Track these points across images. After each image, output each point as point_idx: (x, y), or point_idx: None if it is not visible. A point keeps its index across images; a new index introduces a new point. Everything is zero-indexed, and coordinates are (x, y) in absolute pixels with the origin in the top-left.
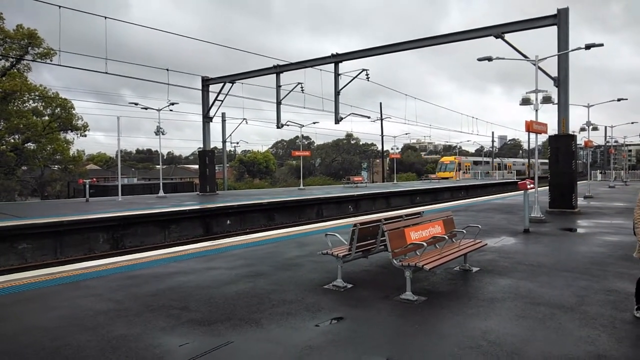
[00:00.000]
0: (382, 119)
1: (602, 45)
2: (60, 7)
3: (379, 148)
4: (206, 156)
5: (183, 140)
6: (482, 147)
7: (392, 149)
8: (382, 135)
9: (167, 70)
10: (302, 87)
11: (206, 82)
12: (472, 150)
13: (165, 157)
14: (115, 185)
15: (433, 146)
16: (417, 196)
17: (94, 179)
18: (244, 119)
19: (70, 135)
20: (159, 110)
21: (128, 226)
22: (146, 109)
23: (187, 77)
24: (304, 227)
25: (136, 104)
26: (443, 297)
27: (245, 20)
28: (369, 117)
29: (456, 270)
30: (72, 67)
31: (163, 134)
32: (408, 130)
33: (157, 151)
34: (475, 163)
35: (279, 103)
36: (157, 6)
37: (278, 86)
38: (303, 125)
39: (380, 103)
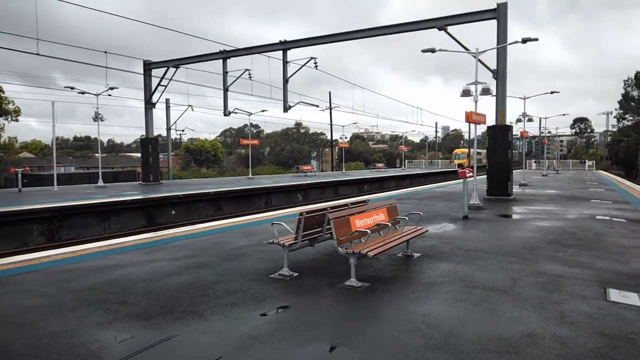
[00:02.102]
0: (331, 108)
1: (537, 39)
2: None
3: (328, 137)
4: (149, 144)
5: (124, 127)
6: (426, 137)
7: (340, 138)
8: (331, 125)
9: (105, 52)
10: (249, 74)
11: (148, 66)
12: (417, 140)
13: (105, 145)
14: (50, 174)
15: (381, 136)
16: (365, 185)
17: (27, 168)
18: (190, 105)
19: (1, 121)
20: (97, 95)
21: (64, 218)
22: (83, 93)
23: (126, 61)
24: (251, 216)
25: (72, 88)
26: (386, 282)
27: (183, 1)
28: (317, 106)
29: (399, 256)
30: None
31: (102, 120)
32: (356, 119)
33: (96, 138)
34: (478, 153)
35: (225, 90)
36: None
37: (225, 72)
38: (251, 114)
39: (330, 92)
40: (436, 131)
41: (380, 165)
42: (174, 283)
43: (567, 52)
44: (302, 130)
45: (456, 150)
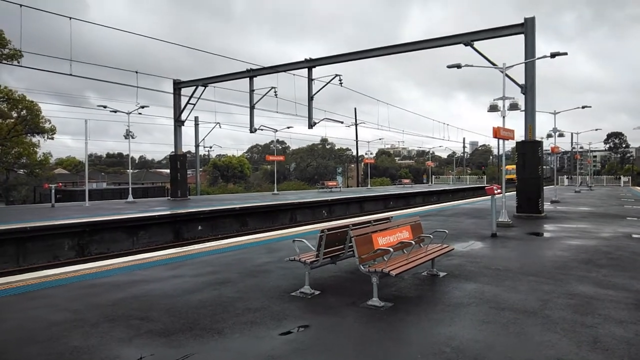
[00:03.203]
0: (356, 124)
1: (566, 54)
2: (21, 6)
3: (354, 153)
4: (177, 160)
5: (155, 144)
6: (453, 152)
7: (366, 153)
8: (357, 140)
9: (137, 72)
10: (275, 92)
11: (178, 85)
12: (444, 155)
13: (136, 162)
14: (83, 190)
15: (407, 151)
16: (390, 201)
17: (60, 184)
18: (218, 122)
19: (37, 139)
20: (128, 113)
21: (94, 232)
22: (115, 112)
23: (156, 80)
24: (275, 232)
25: (105, 106)
26: (410, 302)
27: (208, 22)
28: (342, 122)
29: (424, 275)
30: (37, 68)
31: (133, 138)
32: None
33: (127, 155)
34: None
35: (252, 107)
36: (115, 7)
37: (251, 90)
38: (277, 130)
39: (355, 108)
40: (464, 146)
41: (407, 181)
42: (195, 300)
43: (597, 66)
44: (327, 146)
45: (507, 167)
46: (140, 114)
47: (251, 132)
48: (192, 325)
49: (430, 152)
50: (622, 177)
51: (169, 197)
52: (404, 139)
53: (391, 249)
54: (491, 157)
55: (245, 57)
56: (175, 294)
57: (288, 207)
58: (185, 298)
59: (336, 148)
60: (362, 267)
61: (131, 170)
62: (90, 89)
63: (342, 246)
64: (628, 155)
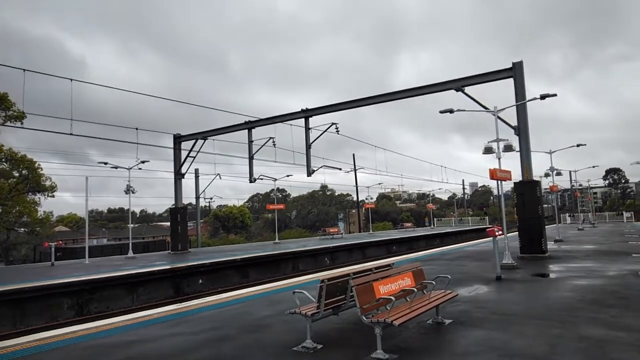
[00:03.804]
0: (355, 170)
1: (555, 95)
2: (24, 70)
3: (354, 198)
4: (178, 213)
5: (155, 198)
6: (454, 194)
7: (366, 198)
8: (357, 186)
9: (137, 129)
10: (273, 142)
11: (178, 139)
12: (444, 197)
13: (137, 215)
14: (83, 247)
15: (407, 195)
16: (393, 245)
17: (60, 242)
18: (218, 174)
19: (37, 197)
20: (129, 168)
21: (93, 291)
22: (116, 167)
23: (155, 135)
24: (277, 283)
25: (105, 163)
26: (415, 353)
27: (205, 77)
28: (340, 169)
29: (429, 324)
30: (39, 129)
31: (133, 193)
32: (380, 180)
33: (128, 209)
34: None
35: (251, 158)
36: (114, 67)
37: (250, 141)
38: (276, 179)
39: (353, 154)
40: (463, 188)
41: (408, 224)
42: (194, 359)
43: (587, 105)
44: (327, 193)
45: None
46: (140, 169)
47: (251, 181)
48: None
49: (431, 194)
50: (624, 212)
51: (170, 251)
52: (403, 183)
53: (393, 298)
54: (492, 197)
55: (242, 109)
56: (173, 354)
57: (290, 256)
58: (184, 357)
59: (336, 194)
60: (364, 317)
61: (132, 225)
62: (91, 146)
63: (343, 296)
64: (629, 190)
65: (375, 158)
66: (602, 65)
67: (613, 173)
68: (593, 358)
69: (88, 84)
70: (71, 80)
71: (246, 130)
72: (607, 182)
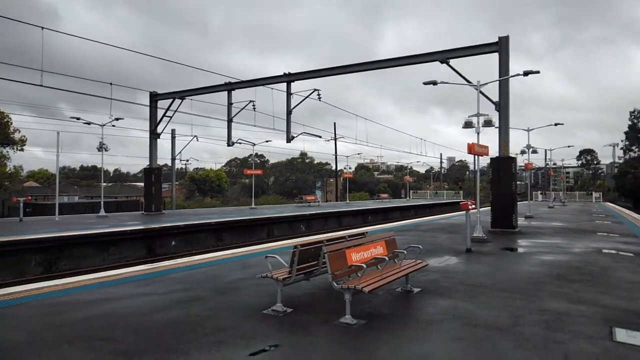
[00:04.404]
0: (335, 139)
1: (538, 72)
2: None
3: (333, 167)
4: (152, 174)
5: (130, 157)
6: (431, 167)
7: (345, 168)
8: (336, 155)
9: (111, 84)
10: (253, 105)
11: (154, 97)
12: (422, 170)
13: (111, 175)
14: (54, 203)
15: (386, 166)
16: (369, 215)
17: (29, 197)
18: (195, 136)
19: (6, 150)
20: (102, 125)
21: (63, 248)
22: (89, 124)
23: (131, 92)
24: (252, 247)
25: (78, 118)
26: (383, 319)
27: (183, 35)
28: (320, 137)
29: (398, 292)
30: (7, 79)
31: (106, 150)
32: (360, 150)
33: (101, 168)
34: None
35: (230, 121)
36: (88, 19)
37: (229, 104)
38: (255, 144)
39: (335, 123)
40: (441, 162)
41: (385, 195)
42: (163, 318)
43: (567, 85)
44: (306, 160)
45: None
46: (114, 126)
47: (229, 145)
48: (158, 346)
49: (409, 167)
50: (593, 193)
51: (143, 212)
52: (382, 154)
53: (364, 265)
54: (467, 173)
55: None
56: (143, 312)
57: (265, 222)
58: (153, 317)
59: (315, 162)
60: (335, 283)
61: (104, 184)
62: (63, 100)
63: (316, 262)
64: (599, 171)
65: (356, 128)
66: (583, 47)
67: (586, 154)
68: (552, 330)
69: (60, 34)
70: (42, 28)
71: (226, 92)
72: (580, 162)
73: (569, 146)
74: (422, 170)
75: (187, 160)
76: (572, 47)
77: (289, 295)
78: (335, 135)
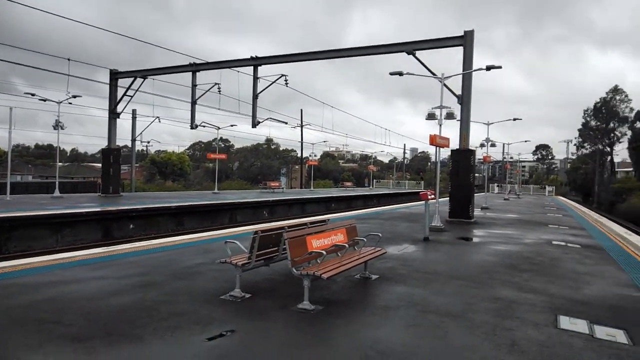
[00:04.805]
0: (302, 126)
1: (500, 67)
2: None
3: (299, 154)
4: (110, 154)
5: (88, 137)
6: (395, 157)
7: (310, 155)
8: (302, 142)
9: (69, 60)
10: (219, 88)
11: (115, 75)
12: (386, 160)
13: (68, 154)
14: (5, 182)
15: (351, 155)
16: (332, 203)
17: None
18: (157, 117)
19: None
20: (59, 102)
21: (13, 228)
22: (44, 100)
23: (90, 69)
24: (213, 232)
25: (32, 94)
26: (340, 305)
27: (147, 14)
28: (286, 123)
29: (357, 278)
30: None
31: (63, 129)
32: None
33: (57, 147)
34: None
35: (194, 102)
36: None
37: (194, 85)
38: (219, 128)
39: (301, 110)
40: (404, 152)
41: (349, 184)
42: (116, 303)
43: (526, 81)
44: (272, 147)
45: None
46: (71, 103)
47: (192, 128)
48: (111, 331)
49: (373, 156)
50: (547, 186)
51: (100, 193)
52: (347, 143)
53: (324, 252)
54: (429, 164)
55: (186, 51)
56: (96, 297)
57: (228, 207)
58: (106, 301)
59: (281, 149)
60: (294, 270)
61: (60, 164)
62: (17, 74)
63: (276, 248)
64: (553, 166)
65: (322, 116)
66: (541, 45)
67: (542, 149)
68: (502, 317)
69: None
70: None
71: (190, 73)
72: (536, 157)
73: (526, 141)
74: (386, 160)
75: (149, 142)
76: (531, 44)
77: (249, 281)
78: (302, 122)
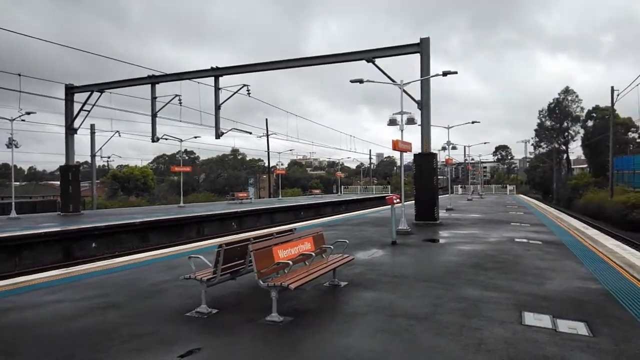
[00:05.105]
0: (267, 135)
1: (456, 72)
2: None
3: (266, 164)
4: (69, 172)
5: (46, 154)
6: (361, 163)
7: (277, 164)
8: (268, 151)
9: (19, 75)
10: (180, 100)
11: (70, 90)
12: (353, 166)
13: (25, 173)
14: None
15: (318, 162)
16: (301, 211)
17: None
18: (117, 131)
19: None
20: (11, 119)
21: None
22: None
23: (43, 84)
24: (179, 247)
25: None
26: (309, 315)
27: (101, 25)
28: (251, 133)
29: (325, 286)
30: None
31: (17, 147)
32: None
33: (14, 166)
34: None
35: (154, 115)
36: None
37: (153, 98)
38: (182, 140)
39: (266, 119)
40: (370, 158)
41: (317, 191)
42: (75, 327)
43: (481, 85)
44: (238, 157)
45: None
46: (24, 120)
47: (153, 141)
48: (68, 357)
49: (340, 163)
50: (508, 186)
51: (60, 212)
52: (314, 150)
53: (290, 262)
54: (395, 168)
55: (145, 63)
56: (52, 322)
57: (194, 220)
58: (64, 326)
59: (248, 159)
60: (261, 282)
61: (16, 183)
62: None
63: (242, 261)
64: (513, 166)
65: (287, 124)
66: (494, 50)
67: (501, 150)
68: (468, 316)
69: None
70: None
71: (149, 85)
72: (496, 157)
73: (485, 143)
74: (353, 166)
75: (109, 157)
76: (485, 49)
77: (215, 296)
78: (267, 131)
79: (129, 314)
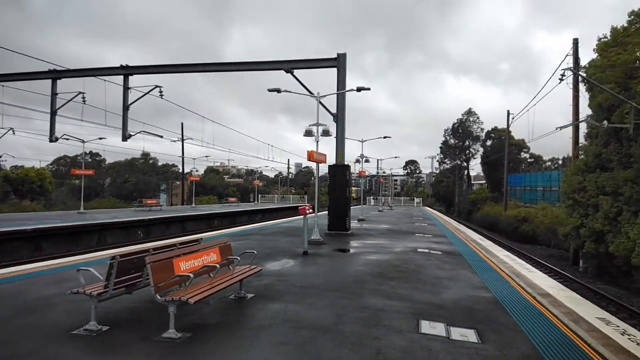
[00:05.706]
0: (182, 140)
1: (369, 89)
2: None
3: (180, 169)
4: None
5: None
6: (280, 172)
7: (192, 171)
8: (183, 157)
9: None
10: (83, 98)
11: None
12: (272, 175)
13: None
14: None
15: (236, 170)
16: (215, 220)
17: None
18: (11, 128)
19: None
20: None
21: None
22: None
23: None
24: (76, 257)
25: None
26: (210, 330)
27: None
28: (162, 137)
29: (231, 299)
30: None
31: None
32: (208, 152)
33: None
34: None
35: (53, 113)
36: None
37: (54, 94)
38: (85, 141)
39: (182, 123)
40: (288, 167)
41: (233, 199)
42: None
43: (393, 102)
44: (150, 161)
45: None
46: None
47: (51, 141)
48: None
49: (258, 171)
50: (415, 198)
51: None
52: (232, 157)
53: (191, 275)
54: (312, 178)
55: (47, 56)
56: None
57: (95, 228)
58: None
59: (160, 164)
60: (158, 296)
61: None
62: None
63: (140, 273)
64: (421, 180)
65: (203, 129)
66: (405, 70)
67: (411, 164)
68: (369, 326)
69: None
70: None
71: (50, 80)
72: (406, 171)
73: (396, 157)
74: (272, 175)
75: (1, 157)
76: (397, 69)
77: (109, 312)
78: (182, 136)
79: (10, 331)
